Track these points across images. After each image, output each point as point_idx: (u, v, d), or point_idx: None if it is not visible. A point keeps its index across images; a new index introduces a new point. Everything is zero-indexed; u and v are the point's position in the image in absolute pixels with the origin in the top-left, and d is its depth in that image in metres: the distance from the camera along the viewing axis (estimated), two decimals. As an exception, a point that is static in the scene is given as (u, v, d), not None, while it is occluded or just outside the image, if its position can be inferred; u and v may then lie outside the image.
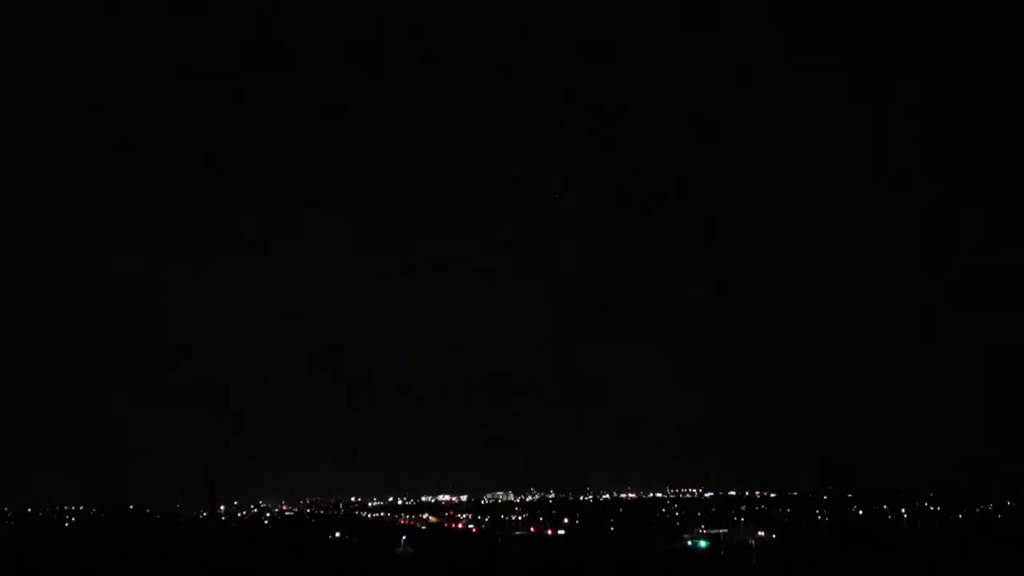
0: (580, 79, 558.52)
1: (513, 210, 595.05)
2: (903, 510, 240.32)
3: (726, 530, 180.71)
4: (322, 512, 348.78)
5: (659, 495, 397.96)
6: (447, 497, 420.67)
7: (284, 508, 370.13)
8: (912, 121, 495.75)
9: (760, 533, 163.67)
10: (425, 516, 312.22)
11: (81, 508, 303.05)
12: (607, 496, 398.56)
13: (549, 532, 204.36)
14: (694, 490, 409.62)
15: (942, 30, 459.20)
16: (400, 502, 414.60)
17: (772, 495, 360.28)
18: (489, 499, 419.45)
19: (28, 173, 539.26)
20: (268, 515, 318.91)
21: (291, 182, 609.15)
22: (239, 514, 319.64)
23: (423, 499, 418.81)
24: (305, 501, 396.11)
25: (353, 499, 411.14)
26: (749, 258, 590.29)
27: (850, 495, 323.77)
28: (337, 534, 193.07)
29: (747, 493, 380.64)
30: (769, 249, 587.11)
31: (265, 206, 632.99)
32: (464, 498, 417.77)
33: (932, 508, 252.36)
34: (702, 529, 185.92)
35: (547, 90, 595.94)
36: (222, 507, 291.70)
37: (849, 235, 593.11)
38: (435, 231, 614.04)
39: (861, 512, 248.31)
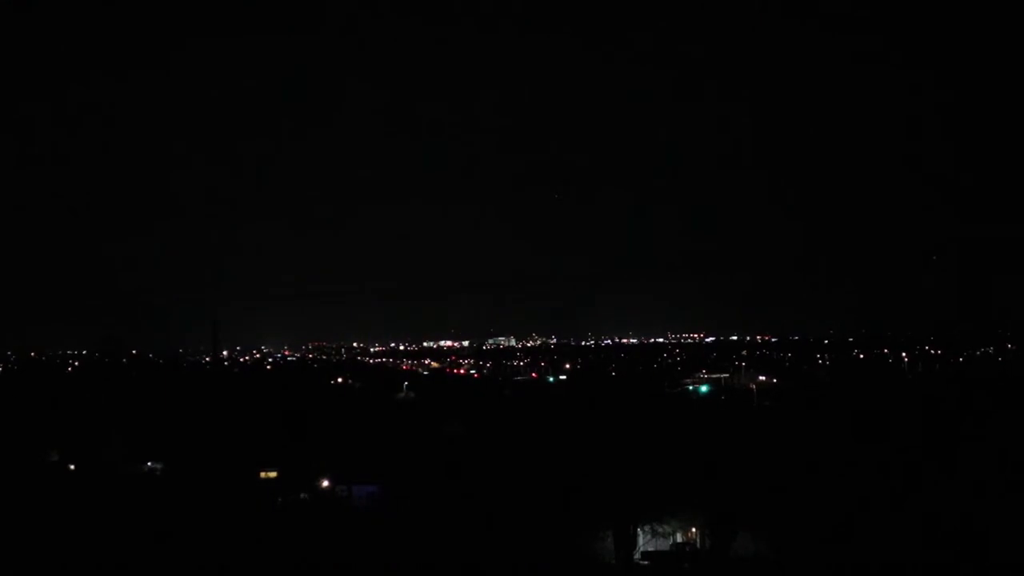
0: None
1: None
2: (904, 354, 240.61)
3: (727, 375, 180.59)
4: (324, 357, 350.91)
5: (661, 340, 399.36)
6: (449, 342, 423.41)
7: (286, 353, 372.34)
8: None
9: (761, 377, 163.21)
10: (427, 361, 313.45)
11: (84, 352, 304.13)
12: (608, 342, 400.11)
13: (550, 379, 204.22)
14: (695, 335, 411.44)
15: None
16: (402, 347, 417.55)
17: (773, 340, 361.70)
18: (491, 344, 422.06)
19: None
20: (271, 360, 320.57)
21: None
22: (242, 359, 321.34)
23: (425, 344, 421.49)
24: (307, 346, 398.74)
25: (355, 344, 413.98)
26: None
27: (851, 339, 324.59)
28: (339, 379, 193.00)
29: (748, 338, 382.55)
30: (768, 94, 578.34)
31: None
32: (466, 343, 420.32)
33: (933, 352, 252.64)
34: (703, 374, 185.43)
35: None
36: (224, 352, 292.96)
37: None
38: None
39: (862, 356, 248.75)
